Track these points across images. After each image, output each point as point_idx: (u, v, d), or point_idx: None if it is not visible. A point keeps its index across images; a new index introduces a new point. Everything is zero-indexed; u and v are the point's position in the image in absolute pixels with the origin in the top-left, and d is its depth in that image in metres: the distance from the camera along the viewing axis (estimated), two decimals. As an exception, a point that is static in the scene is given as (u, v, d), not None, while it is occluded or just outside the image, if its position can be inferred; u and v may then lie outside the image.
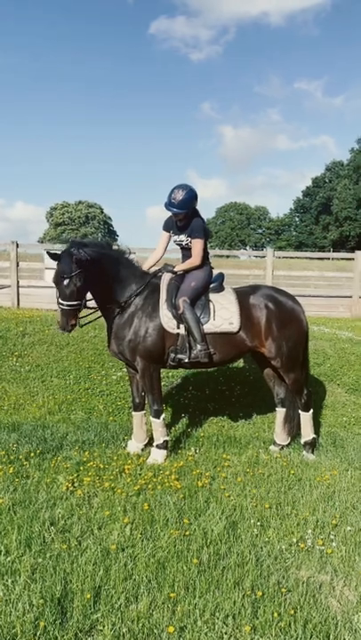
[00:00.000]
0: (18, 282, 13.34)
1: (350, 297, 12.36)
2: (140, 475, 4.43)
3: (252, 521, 3.68)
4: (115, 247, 4.76)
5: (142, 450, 5.07)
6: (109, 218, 77.47)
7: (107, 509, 3.77)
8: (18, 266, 13.40)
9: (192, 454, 4.96)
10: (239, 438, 5.48)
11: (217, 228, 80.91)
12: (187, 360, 4.69)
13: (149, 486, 4.17)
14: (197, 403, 6.38)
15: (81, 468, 4.49)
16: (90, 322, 4.76)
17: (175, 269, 4.90)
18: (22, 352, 7.72)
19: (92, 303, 4.75)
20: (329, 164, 77.28)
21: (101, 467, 4.50)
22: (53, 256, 4.34)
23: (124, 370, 7.03)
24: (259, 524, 3.66)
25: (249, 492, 4.19)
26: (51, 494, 3.99)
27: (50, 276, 12.08)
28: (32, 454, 4.71)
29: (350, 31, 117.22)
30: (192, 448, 5.14)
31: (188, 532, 3.48)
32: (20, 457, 4.66)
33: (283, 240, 78.97)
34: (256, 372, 6.95)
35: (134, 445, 5.05)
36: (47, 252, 4.45)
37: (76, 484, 4.17)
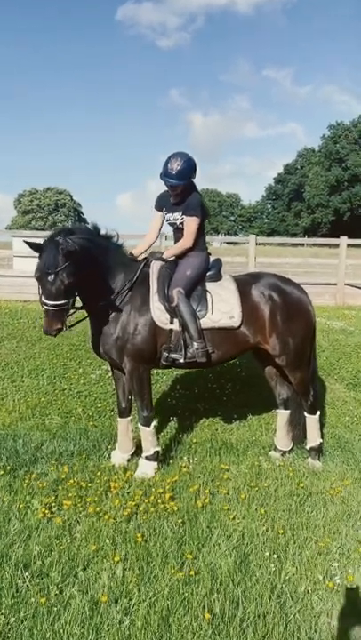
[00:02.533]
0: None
1: (335, 284, 11.95)
2: (128, 494, 3.82)
3: (265, 553, 3.12)
4: (103, 232, 4.07)
5: (128, 461, 4.46)
6: (79, 205, 75.87)
7: (92, 542, 3.16)
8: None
9: (185, 465, 4.37)
10: (235, 444, 4.91)
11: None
12: (182, 360, 4.08)
13: (141, 509, 3.56)
14: (186, 403, 5.78)
15: (59, 487, 3.85)
16: (78, 322, 4.09)
17: (164, 255, 4.26)
18: (-11, 349, 6.97)
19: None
20: (300, 151, 77.32)
21: (83, 485, 3.86)
22: (35, 247, 3.65)
23: (104, 367, 6.38)
24: (275, 556, 3.10)
25: (256, 511, 3.63)
26: (24, 523, 3.35)
27: (20, 263, 11.21)
28: (1, 471, 4.04)
29: (316, 21, 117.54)
30: (185, 457, 4.55)
31: (192, 572, 2.89)
32: (-13, 475, 3.98)
33: (255, 227, 78.84)
34: (248, 369, 6.39)
35: (119, 456, 4.43)
36: (27, 243, 3.73)
37: (54, 509, 3.54)
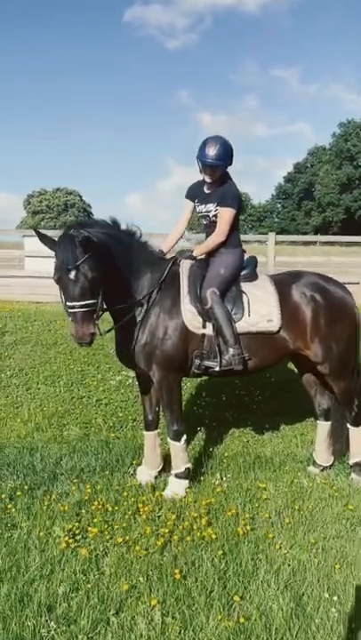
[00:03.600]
0: (-5, 272, 12.17)
1: (358, 283, 11.47)
2: (159, 518, 3.44)
3: (324, 594, 2.72)
4: (124, 227, 3.69)
5: (156, 478, 4.07)
6: (89, 205, 75.60)
7: (124, 579, 2.77)
8: (-5, 254, 12.23)
9: (219, 482, 3.98)
10: (270, 457, 4.51)
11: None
12: (217, 368, 3.69)
13: (175, 536, 3.17)
14: (213, 412, 5.39)
15: (82, 510, 3.47)
16: (113, 327, 3.71)
17: (195, 253, 3.87)
18: (2, 354, 6.62)
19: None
20: (311, 149, 76.55)
21: (109, 508, 3.48)
22: (49, 242, 3.27)
23: (124, 372, 6.00)
24: (335, 597, 2.69)
25: (304, 539, 3.23)
26: (46, 555, 2.98)
27: (32, 264, 10.83)
28: (18, 492, 3.67)
29: (323, 20, 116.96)
30: (217, 474, 4.15)
31: (242, 618, 2.50)
32: (3, 496, 3.62)
33: (265, 227, 78.11)
34: (278, 373, 5.99)
35: (146, 473, 4.04)
36: (39, 234, 3.32)
37: (78, 537, 3.16)
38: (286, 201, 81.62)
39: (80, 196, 74.19)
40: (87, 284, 3.18)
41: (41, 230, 3.36)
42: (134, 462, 4.25)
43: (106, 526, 3.27)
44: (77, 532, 3.21)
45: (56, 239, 3.27)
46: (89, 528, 3.23)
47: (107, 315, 3.75)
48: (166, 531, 3.21)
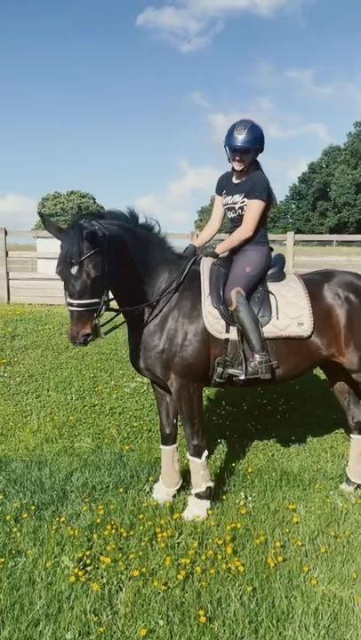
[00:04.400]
0: (7, 273, 11.90)
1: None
2: (179, 545, 3.08)
3: (373, 642, 2.34)
4: (142, 221, 3.35)
5: (174, 497, 3.72)
6: (102, 208, 75.61)
7: (141, 622, 2.42)
8: (7, 255, 11.95)
9: (243, 502, 3.62)
10: (298, 473, 4.13)
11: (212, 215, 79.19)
12: (243, 377, 3.33)
13: (197, 568, 2.82)
14: (234, 422, 5.03)
15: (94, 535, 3.13)
16: (115, 328, 3.38)
17: (218, 249, 3.52)
18: (12, 359, 6.32)
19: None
20: (326, 149, 75.78)
21: (123, 533, 3.14)
22: (54, 229, 2.96)
23: (138, 379, 5.67)
24: (386, 648, 2.32)
25: (343, 572, 2.86)
26: (53, 590, 2.64)
27: (45, 266, 10.53)
28: (24, 513, 3.34)
29: (337, 21, 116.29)
30: (241, 492, 3.79)
31: (280, 675, 2.13)
32: (8, 517, 3.29)
33: (279, 227, 77.40)
34: (303, 380, 5.60)
35: (163, 491, 3.70)
36: (44, 220, 3.00)
37: (89, 568, 2.82)
38: (301, 202, 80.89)
39: (94, 199, 74.43)
40: (89, 282, 2.88)
41: (51, 219, 3.04)
42: (150, 479, 3.91)
43: (120, 555, 2.93)
44: (89, 561, 2.87)
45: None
46: (101, 557, 2.89)
47: (112, 315, 3.42)
48: (188, 561, 2.86)
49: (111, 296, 3.20)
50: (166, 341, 3.33)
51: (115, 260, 3.01)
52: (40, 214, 3.07)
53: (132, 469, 4.07)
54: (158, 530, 3.18)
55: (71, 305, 2.92)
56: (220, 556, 2.94)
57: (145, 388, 5.54)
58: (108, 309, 3.20)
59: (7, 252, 11.96)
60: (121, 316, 3.43)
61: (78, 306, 2.91)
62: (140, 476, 3.97)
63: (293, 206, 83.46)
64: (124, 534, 3.12)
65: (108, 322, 3.38)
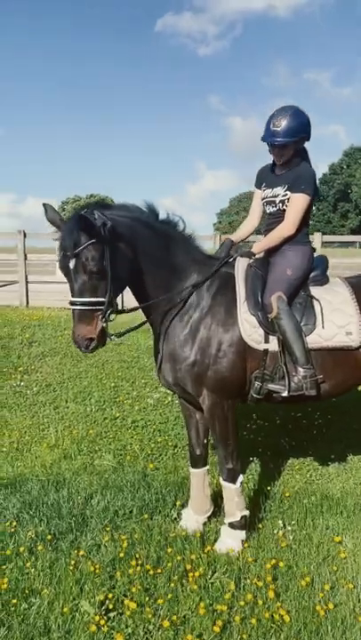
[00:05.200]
0: (26, 277, 11.70)
1: None
2: (212, 585, 2.71)
3: None
4: (163, 216, 3.00)
5: (204, 524, 3.36)
6: (122, 211, 75.80)
7: None
8: (26, 259, 11.76)
9: (282, 532, 3.23)
10: (341, 498, 3.73)
11: (231, 218, 78.74)
12: (285, 393, 2.95)
13: (236, 617, 2.45)
14: (266, 438, 4.64)
15: (117, 571, 2.78)
16: (130, 330, 3.05)
17: (254, 249, 3.15)
18: (29, 367, 6.02)
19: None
20: (347, 150, 74.81)
21: (150, 570, 2.78)
22: (59, 222, 2.71)
23: (162, 389, 5.31)
24: None
25: None
26: (70, 643, 2.29)
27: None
28: (39, 544, 3.01)
29: (356, 22, 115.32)
30: (278, 520, 3.40)
31: None
32: (21, 549, 2.96)
33: (300, 230, 76.69)
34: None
35: (193, 519, 3.33)
36: (46, 209, 2.71)
37: (112, 614, 2.47)
38: (321, 203, 79.99)
39: (113, 202, 74.54)
40: (87, 277, 2.61)
41: (49, 206, 2.75)
42: (178, 503, 3.54)
43: (147, 598, 2.57)
44: (111, 605, 2.52)
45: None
46: (125, 600, 2.54)
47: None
48: (224, 608, 2.49)
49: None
50: (198, 352, 2.97)
51: (124, 256, 2.73)
52: (43, 204, 2.75)
53: (158, 491, 3.71)
54: (189, 566, 2.82)
55: (72, 304, 2.68)
56: (260, 601, 2.56)
57: (169, 399, 5.19)
58: (120, 312, 2.87)
59: (26, 255, 11.76)
60: (154, 323, 3.09)
61: (79, 304, 2.65)
62: (167, 500, 3.61)
63: (314, 208, 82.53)
64: (151, 572, 2.76)
65: (138, 326, 3.07)
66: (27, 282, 11.70)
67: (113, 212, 2.77)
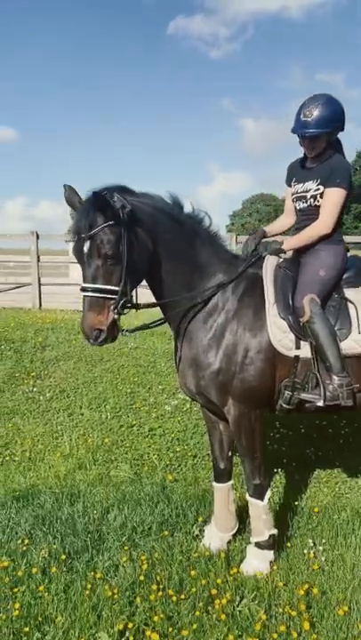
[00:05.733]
0: (39, 279, 11.58)
1: None
2: (240, 613, 2.49)
3: None
4: (187, 210, 2.80)
5: (229, 543, 3.14)
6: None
7: None
8: (39, 261, 11.64)
9: (313, 553, 3.00)
10: (373, 513, 3.48)
11: (243, 220, 78.35)
12: (321, 403, 2.73)
13: (268, 651, 2.22)
14: (291, 448, 4.40)
15: (137, 596, 2.57)
16: (141, 328, 2.87)
17: (284, 246, 2.93)
18: (42, 372, 5.85)
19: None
20: (361, 151, 74.03)
21: (172, 596, 2.56)
22: (77, 204, 2.54)
23: (180, 396, 5.10)
24: None
25: None
26: None
27: (77, 271, 10.13)
28: (53, 565, 2.81)
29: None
30: (308, 538, 3.17)
31: None
32: (34, 570, 2.76)
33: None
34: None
35: (217, 537, 3.11)
36: (66, 190, 2.57)
37: (132, 646, 2.25)
38: (335, 205, 79.24)
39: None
40: (101, 261, 2.45)
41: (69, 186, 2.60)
42: (200, 519, 3.32)
43: (170, 628, 2.35)
44: (132, 637, 2.31)
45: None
46: (147, 631, 2.33)
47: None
48: (254, 639, 2.26)
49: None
50: (223, 359, 2.76)
51: (143, 245, 2.56)
52: (64, 185, 2.59)
53: (178, 505, 3.49)
54: (214, 591, 2.60)
55: (83, 290, 2.50)
56: (294, 633, 2.34)
57: (187, 405, 4.97)
58: (134, 306, 2.66)
59: (39, 257, 11.64)
60: (173, 323, 2.89)
61: (91, 291, 2.47)
62: (188, 515, 3.39)
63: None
64: (174, 598, 2.54)
65: (153, 324, 2.88)
66: (39, 284, 11.58)
67: (134, 198, 2.60)
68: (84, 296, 2.51)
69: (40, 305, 11.42)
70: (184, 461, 4.21)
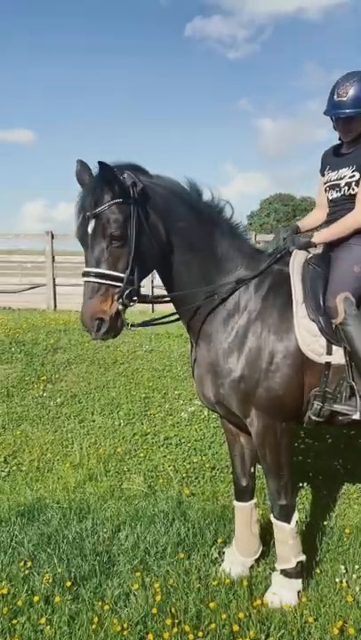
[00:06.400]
0: (54, 279, 11.42)
1: None
2: (267, 654, 2.19)
3: None
4: (206, 197, 2.52)
5: (251, 568, 2.84)
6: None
7: None
8: (54, 261, 11.48)
9: (345, 582, 2.68)
10: None
11: (262, 220, 77.85)
12: (357, 415, 2.43)
13: None
14: (317, 459, 4.09)
15: (149, 632, 2.29)
16: (147, 323, 2.60)
17: (315, 239, 2.62)
18: (53, 375, 5.61)
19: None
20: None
21: (189, 634, 2.27)
22: (82, 179, 2.30)
23: (197, 402, 4.80)
24: None
25: None
26: None
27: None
28: (57, 593, 2.54)
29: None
30: (339, 564, 2.86)
31: None
32: (36, 598, 2.50)
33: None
34: None
35: (238, 561, 2.82)
36: (80, 169, 2.30)
37: None
38: (354, 204, 78.45)
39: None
40: (106, 243, 2.20)
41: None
42: (219, 540, 3.03)
43: (186, 672, 2.07)
44: None
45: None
46: None
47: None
48: None
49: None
50: (246, 366, 2.46)
51: (154, 230, 2.30)
52: (77, 160, 2.33)
53: (195, 524, 3.21)
54: (236, 627, 2.31)
55: (86, 274, 2.23)
56: None
57: (205, 413, 4.68)
58: (142, 299, 2.38)
59: (54, 257, 11.48)
60: (186, 320, 2.60)
61: (93, 276, 2.20)
62: (205, 534, 3.11)
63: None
64: (190, 636, 2.26)
65: (161, 319, 2.61)
66: (54, 284, 11.43)
67: (147, 178, 2.33)
68: (86, 282, 2.23)
69: (55, 306, 11.26)
70: (202, 473, 3.92)
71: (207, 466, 3.98)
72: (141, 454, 4.17)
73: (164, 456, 4.15)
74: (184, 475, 3.88)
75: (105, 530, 3.14)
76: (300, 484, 3.73)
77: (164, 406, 4.89)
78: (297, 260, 2.61)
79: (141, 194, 2.23)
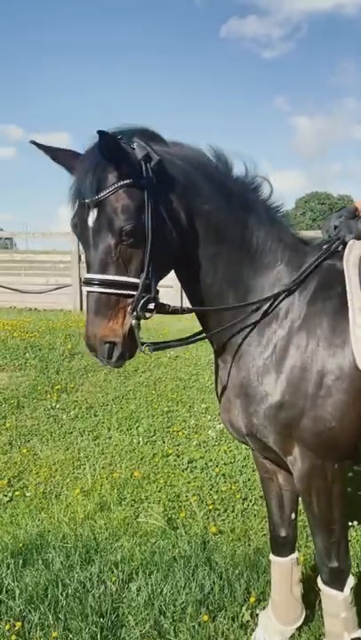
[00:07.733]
0: (80, 279, 11.04)
1: None
2: None
3: None
4: (238, 172, 1.96)
5: (292, 636, 2.26)
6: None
7: None
8: (80, 261, 11.12)
9: None
10: None
11: (297, 219, 76.55)
12: None
13: None
14: (359, 487, 3.47)
15: None
16: (167, 345, 2.01)
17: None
18: (68, 384, 5.13)
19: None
20: None
21: None
22: (70, 160, 1.74)
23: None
24: None
25: None
26: None
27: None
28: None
29: None
30: None
31: None
32: None
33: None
34: None
35: (275, 631, 2.25)
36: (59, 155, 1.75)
37: None
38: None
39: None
40: (114, 240, 1.62)
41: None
42: (251, 599, 2.47)
43: None
44: None
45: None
46: None
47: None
48: None
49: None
50: (287, 389, 1.89)
51: (175, 218, 1.73)
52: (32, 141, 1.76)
53: (222, 573, 2.66)
54: None
55: (89, 283, 1.64)
56: None
57: (236, 430, 4.12)
58: (160, 309, 1.78)
59: (80, 257, 11.11)
60: (213, 334, 2.03)
61: (97, 284, 1.63)
62: (235, 589, 2.55)
63: None
64: None
65: (186, 340, 2.04)
66: (80, 284, 11.08)
67: (163, 147, 1.77)
68: (90, 292, 1.68)
69: (81, 307, 10.91)
70: (231, 505, 3.36)
71: (238, 496, 3.41)
72: (161, 480, 3.64)
73: (188, 482, 3.61)
74: (210, 507, 3.32)
75: (113, 577, 2.62)
76: (351, 524, 3.12)
77: (188, 422, 4.34)
78: (354, 252, 2.01)
79: (157, 170, 1.67)
